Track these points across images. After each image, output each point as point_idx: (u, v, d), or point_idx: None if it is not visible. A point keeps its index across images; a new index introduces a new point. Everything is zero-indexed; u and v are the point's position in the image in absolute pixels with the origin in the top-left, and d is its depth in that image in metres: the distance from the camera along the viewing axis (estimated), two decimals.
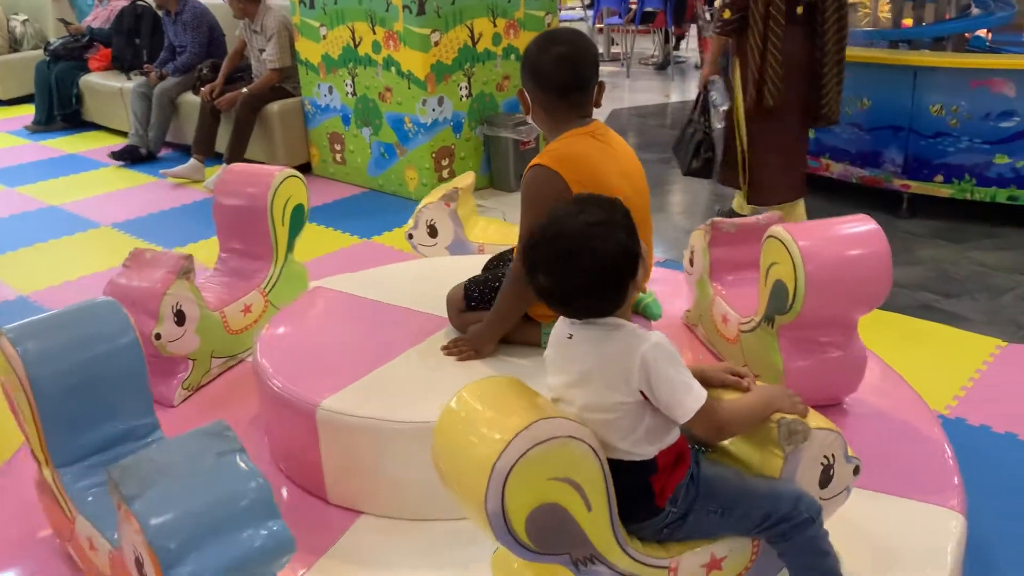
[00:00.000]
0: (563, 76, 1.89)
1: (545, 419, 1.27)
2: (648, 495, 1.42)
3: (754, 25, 3.59)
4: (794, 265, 1.94)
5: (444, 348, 2.11)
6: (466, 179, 3.11)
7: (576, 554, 1.32)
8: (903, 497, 1.84)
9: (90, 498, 1.71)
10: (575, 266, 1.38)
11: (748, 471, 1.51)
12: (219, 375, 2.53)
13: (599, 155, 1.89)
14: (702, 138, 3.94)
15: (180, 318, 2.34)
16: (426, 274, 2.56)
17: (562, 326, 1.49)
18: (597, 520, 1.32)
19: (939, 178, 4.15)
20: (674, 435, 1.45)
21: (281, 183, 2.65)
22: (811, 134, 4.21)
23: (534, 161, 1.89)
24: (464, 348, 2.08)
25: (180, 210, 4.95)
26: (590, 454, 1.29)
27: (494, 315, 2.04)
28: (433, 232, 2.94)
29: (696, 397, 1.38)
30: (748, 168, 3.87)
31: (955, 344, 3.03)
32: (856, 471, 1.54)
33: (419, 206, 2.98)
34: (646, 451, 1.41)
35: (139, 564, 1.32)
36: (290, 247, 2.74)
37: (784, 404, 1.50)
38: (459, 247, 2.95)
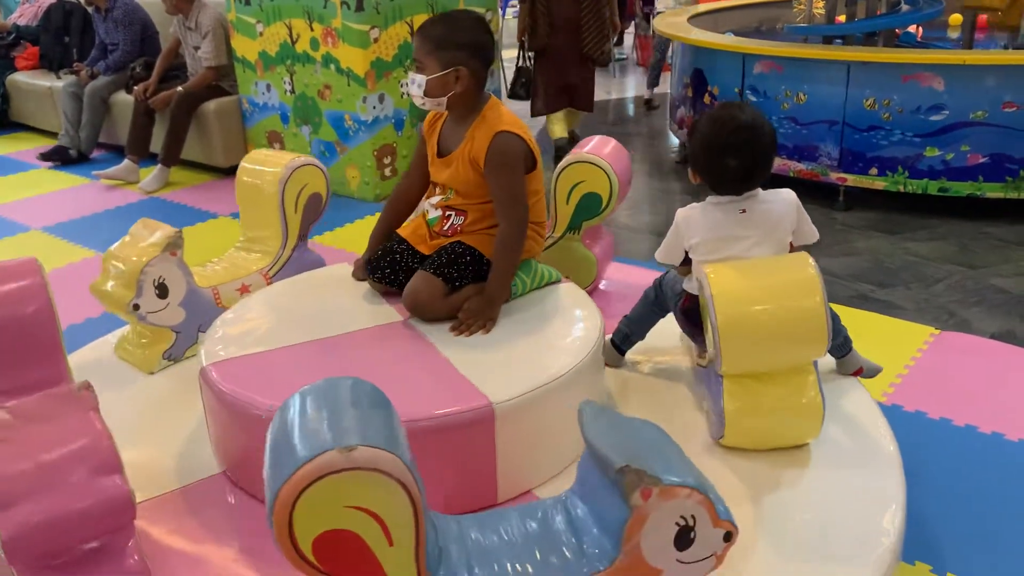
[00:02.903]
0: (491, 50, 2.16)
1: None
2: None
3: None
4: (607, 176, 2.48)
5: (455, 329, 2.06)
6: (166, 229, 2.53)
7: None
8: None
9: None
10: (761, 146, 1.89)
11: None
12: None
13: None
14: (522, 70, 5.72)
15: (163, 291, 2.39)
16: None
17: (727, 208, 1.93)
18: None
19: (873, 171, 4.25)
20: None
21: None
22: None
23: (498, 128, 2.10)
24: (480, 321, 2.07)
25: (114, 212, 4.82)
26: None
27: (502, 277, 2.12)
28: (163, 292, 2.39)
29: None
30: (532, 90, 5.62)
31: (890, 333, 3.09)
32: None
33: (133, 267, 2.35)
34: None
35: None
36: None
37: None
38: (193, 300, 2.47)
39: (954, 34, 6.51)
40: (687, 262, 2.02)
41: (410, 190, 2.37)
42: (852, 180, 4.32)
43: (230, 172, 4.90)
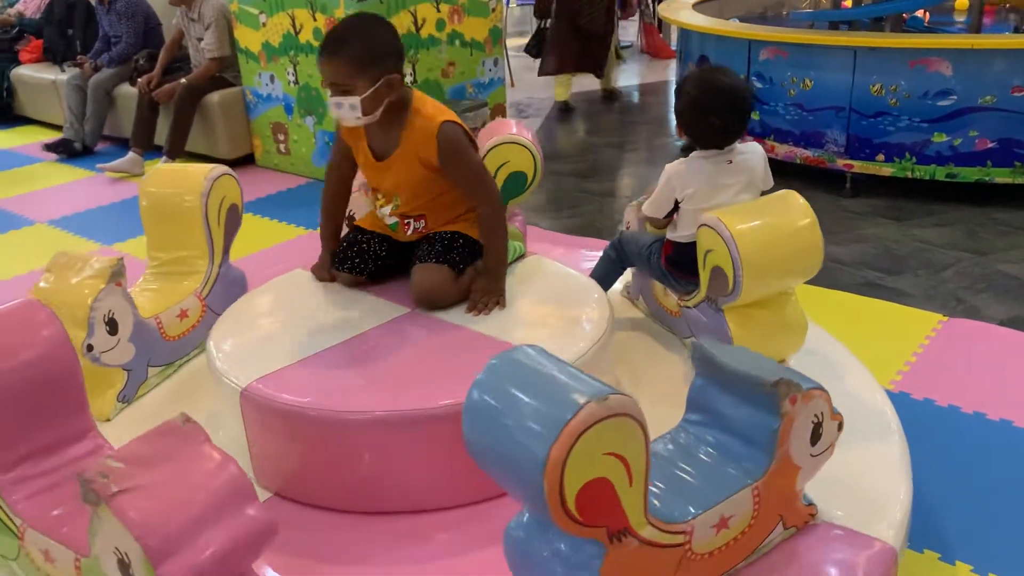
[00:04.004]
0: (402, 43, 2.20)
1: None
2: None
3: None
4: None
5: (471, 309, 2.13)
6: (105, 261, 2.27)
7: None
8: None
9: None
10: (741, 104, 2.12)
11: None
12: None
13: None
14: (539, 32, 6.53)
15: (112, 327, 2.19)
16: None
17: (715, 160, 2.14)
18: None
19: (880, 157, 4.22)
20: None
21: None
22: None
23: (439, 121, 2.11)
24: (493, 299, 2.14)
25: (119, 205, 4.82)
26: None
27: (499, 254, 2.20)
28: (114, 327, 2.19)
29: None
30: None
31: (898, 320, 3.08)
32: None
33: (81, 303, 2.13)
34: None
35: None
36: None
37: None
38: (141, 333, 2.28)
39: (960, 17, 6.46)
40: (669, 216, 2.25)
41: (341, 182, 2.36)
42: (859, 167, 4.29)
43: (235, 164, 4.89)
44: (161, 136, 5.35)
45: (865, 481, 1.78)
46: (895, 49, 4.12)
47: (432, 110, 2.14)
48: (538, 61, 6.48)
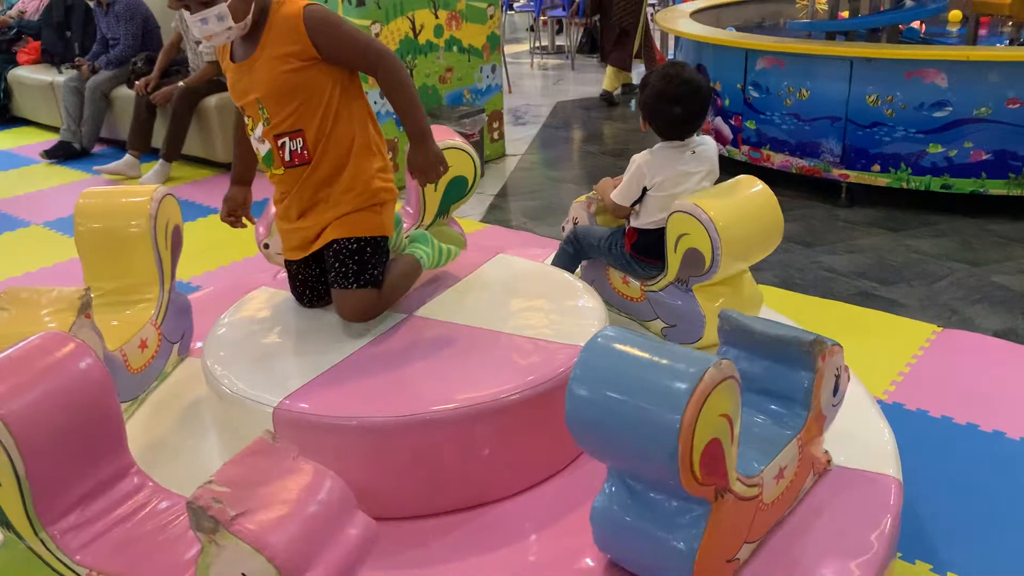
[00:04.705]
0: None
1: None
2: None
3: None
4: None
5: (421, 184, 2.12)
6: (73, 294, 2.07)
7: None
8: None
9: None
10: (701, 96, 2.28)
11: None
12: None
13: None
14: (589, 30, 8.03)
15: None
16: None
17: (680, 150, 2.32)
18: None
19: (876, 167, 4.23)
20: None
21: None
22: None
23: (300, 4, 1.93)
24: (436, 168, 2.08)
25: None
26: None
27: (415, 114, 2.05)
28: None
29: None
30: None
31: (893, 330, 3.09)
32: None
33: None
34: None
35: None
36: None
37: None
38: (111, 366, 2.04)
39: (953, 29, 6.48)
40: (631, 206, 2.42)
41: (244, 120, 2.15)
42: (854, 177, 4.31)
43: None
44: (158, 139, 5.35)
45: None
46: (891, 60, 4.13)
47: (292, 2, 1.95)
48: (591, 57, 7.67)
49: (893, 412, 2.52)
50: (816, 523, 1.69)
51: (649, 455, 1.35)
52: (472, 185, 2.67)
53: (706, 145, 2.38)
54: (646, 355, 1.41)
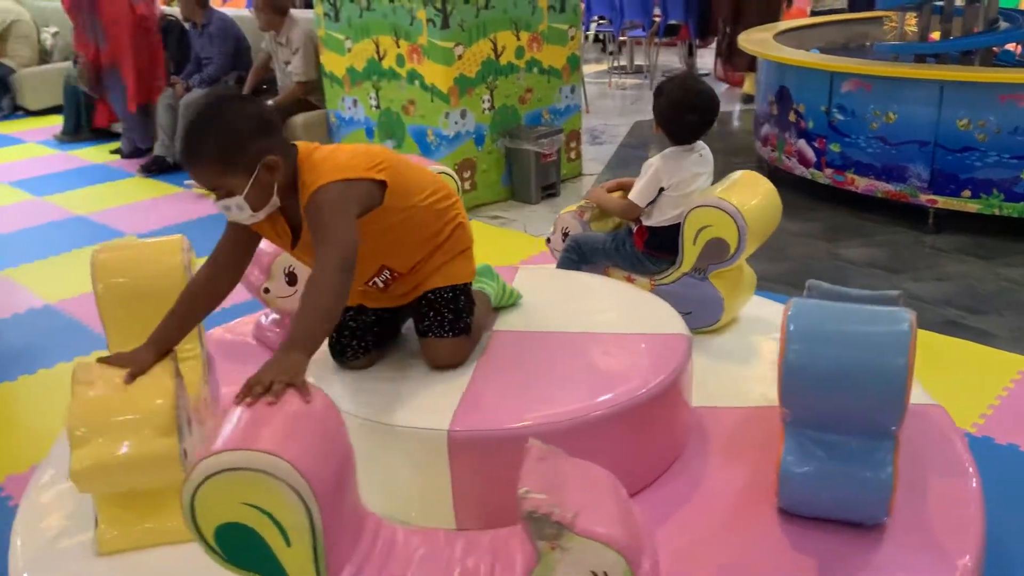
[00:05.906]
0: (264, 110, 1.93)
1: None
2: None
3: None
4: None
5: (238, 399, 1.48)
6: None
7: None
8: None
9: None
10: (712, 106, 2.59)
11: None
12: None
13: None
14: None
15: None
16: None
17: (689, 152, 2.61)
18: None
19: (966, 193, 4.11)
20: None
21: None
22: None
23: (312, 189, 1.80)
24: (271, 381, 1.49)
25: (206, 220, 4.99)
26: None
27: (309, 325, 1.63)
28: (189, 425, 1.91)
29: None
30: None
31: (982, 361, 2.98)
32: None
33: (162, 410, 1.75)
34: None
35: None
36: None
37: None
38: (196, 430, 2.01)
39: None
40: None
41: (217, 282, 1.95)
42: (943, 202, 4.18)
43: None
44: None
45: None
46: (984, 83, 4.02)
47: (312, 172, 1.83)
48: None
49: (982, 446, 2.44)
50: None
51: (876, 400, 1.61)
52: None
53: (706, 148, 2.66)
54: (849, 311, 1.70)
